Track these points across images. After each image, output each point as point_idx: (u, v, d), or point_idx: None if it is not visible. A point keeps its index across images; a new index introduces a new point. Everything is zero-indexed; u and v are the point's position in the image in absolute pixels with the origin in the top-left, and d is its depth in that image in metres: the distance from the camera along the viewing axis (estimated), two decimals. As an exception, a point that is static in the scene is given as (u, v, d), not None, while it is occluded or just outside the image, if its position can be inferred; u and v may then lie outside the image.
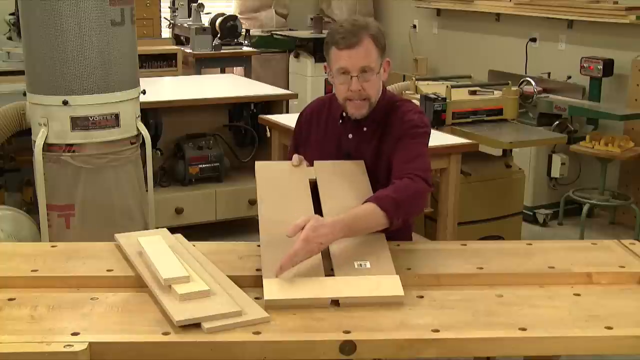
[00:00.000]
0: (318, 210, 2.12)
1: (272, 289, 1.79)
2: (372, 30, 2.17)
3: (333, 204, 2.13)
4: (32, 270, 1.94)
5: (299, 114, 2.53)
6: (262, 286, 1.83)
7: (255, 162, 2.32)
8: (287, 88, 6.48)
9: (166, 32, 6.78)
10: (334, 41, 2.17)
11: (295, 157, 2.30)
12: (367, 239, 2.01)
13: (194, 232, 3.10)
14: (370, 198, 2.03)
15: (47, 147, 3.09)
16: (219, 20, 6.46)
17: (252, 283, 1.88)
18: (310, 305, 1.77)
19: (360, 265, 1.91)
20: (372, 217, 1.99)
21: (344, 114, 2.32)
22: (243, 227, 4.63)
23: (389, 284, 1.84)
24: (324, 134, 2.37)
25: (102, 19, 3.01)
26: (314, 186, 2.22)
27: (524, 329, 1.70)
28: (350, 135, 2.32)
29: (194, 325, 1.65)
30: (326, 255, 1.95)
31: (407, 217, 2.09)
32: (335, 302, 1.78)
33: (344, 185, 2.21)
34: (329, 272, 1.90)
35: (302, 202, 2.15)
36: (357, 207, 2.01)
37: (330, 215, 2.02)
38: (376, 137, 2.29)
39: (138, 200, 3.30)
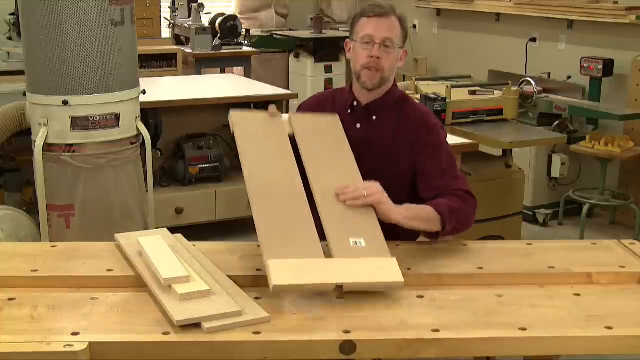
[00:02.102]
0: (300, 165, 2.14)
1: (279, 274, 1.77)
2: (398, 14, 2.31)
3: (314, 160, 2.13)
4: (32, 270, 1.94)
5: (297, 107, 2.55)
6: (262, 286, 1.84)
7: (231, 112, 2.28)
8: (287, 88, 6.48)
9: (166, 32, 6.78)
10: (364, 12, 2.30)
11: (272, 107, 2.31)
12: (358, 215, 2.00)
13: (194, 232, 3.10)
14: (429, 204, 2.15)
15: (47, 147, 3.09)
16: (219, 20, 6.46)
17: (252, 283, 1.88)
18: (316, 290, 1.79)
19: (356, 243, 1.92)
20: (426, 212, 2.11)
21: (355, 103, 2.35)
22: (243, 227, 4.61)
23: (389, 269, 1.85)
24: None
25: (102, 19, 3.01)
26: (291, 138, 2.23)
27: (524, 329, 1.70)
28: (358, 125, 2.34)
29: (194, 325, 1.65)
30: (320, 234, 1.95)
31: (458, 225, 2.19)
32: (339, 287, 1.79)
33: (323, 140, 2.23)
34: (324, 247, 1.91)
35: (285, 159, 2.13)
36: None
37: (313, 177, 2.10)
38: (388, 130, 2.32)
39: (138, 200, 3.30)
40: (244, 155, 2.13)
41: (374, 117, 2.34)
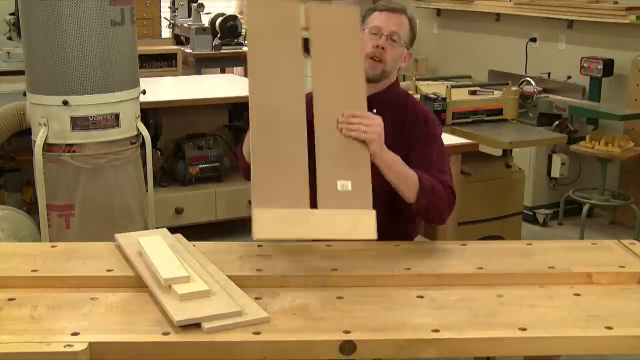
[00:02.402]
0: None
1: (262, 226, 1.81)
2: (409, 14, 2.37)
3: (322, 76, 2.10)
4: (32, 270, 1.94)
5: None
6: (262, 286, 1.84)
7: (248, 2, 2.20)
8: (287, 88, 6.47)
9: (166, 32, 6.79)
10: (376, 6, 2.36)
11: None
12: (352, 152, 1.98)
13: (194, 232, 3.10)
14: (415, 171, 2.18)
15: (47, 147, 3.09)
16: (219, 20, 6.46)
17: (252, 283, 1.88)
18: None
19: (343, 186, 1.92)
20: (409, 176, 2.13)
21: None
22: (243, 227, 4.59)
23: (366, 225, 1.87)
24: None
25: (102, 19, 3.01)
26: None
27: (524, 329, 1.70)
28: None
29: (194, 325, 1.65)
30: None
31: (432, 209, 2.20)
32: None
33: (336, 45, 2.15)
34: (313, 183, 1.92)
35: (293, 73, 2.09)
36: None
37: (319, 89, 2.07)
38: (387, 123, 2.31)
39: (138, 200, 3.30)
40: (251, 63, 2.05)
41: (374, 110, 2.35)
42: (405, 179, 2.13)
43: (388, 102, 2.37)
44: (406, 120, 2.35)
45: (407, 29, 2.34)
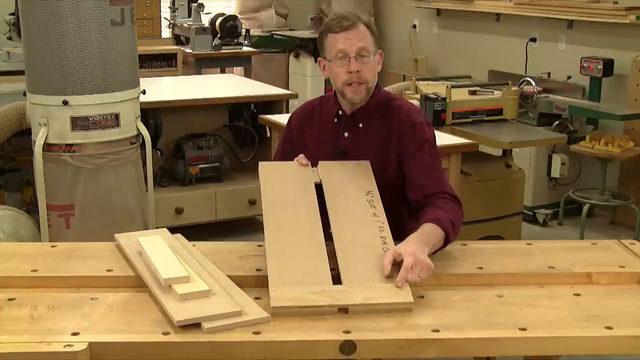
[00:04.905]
0: (323, 213, 2.08)
1: (279, 295, 1.76)
2: (364, 19, 2.24)
3: (339, 208, 2.09)
4: (32, 270, 1.94)
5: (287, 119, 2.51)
6: (262, 286, 1.84)
7: (260, 163, 2.27)
8: (287, 88, 6.48)
9: (166, 32, 6.78)
10: (329, 27, 2.22)
11: (302, 156, 2.27)
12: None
13: (194, 232, 3.10)
14: (429, 219, 2.06)
15: (47, 147, 3.09)
16: (219, 20, 6.46)
17: (252, 283, 1.88)
18: (318, 312, 1.73)
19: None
20: (437, 236, 2.04)
21: (340, 112, 2.32)
22: (243, 227, 4.63)
23: (399, 291, 1.79)
24: (318, 135, 2.35)
25: (102, 19, 3.01)
26: (318, 187, 2.17)
27: (524, 329, 1.70)
28: (345, 134, 2.31)
29: (194, 325, 1.65)
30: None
31: (456, 237, 2.14)
32: (342, 309, 1.74)
33: (350, 186, 2.17)
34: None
35: (308, 206, 2.10)
36: (423, 227, 2.04)
37: (334, 219, 2.03)
38: (375, 135, 2.28)
39: (138, 200, 3.30)
40: (265, 202, 2.08)
41: (360, 125, 2.30)
42: (435, 239, 2.04)
43: (372, 113, 2.29)
44: (394, 127, 2.27)
45: (370, 36, 2.20)
